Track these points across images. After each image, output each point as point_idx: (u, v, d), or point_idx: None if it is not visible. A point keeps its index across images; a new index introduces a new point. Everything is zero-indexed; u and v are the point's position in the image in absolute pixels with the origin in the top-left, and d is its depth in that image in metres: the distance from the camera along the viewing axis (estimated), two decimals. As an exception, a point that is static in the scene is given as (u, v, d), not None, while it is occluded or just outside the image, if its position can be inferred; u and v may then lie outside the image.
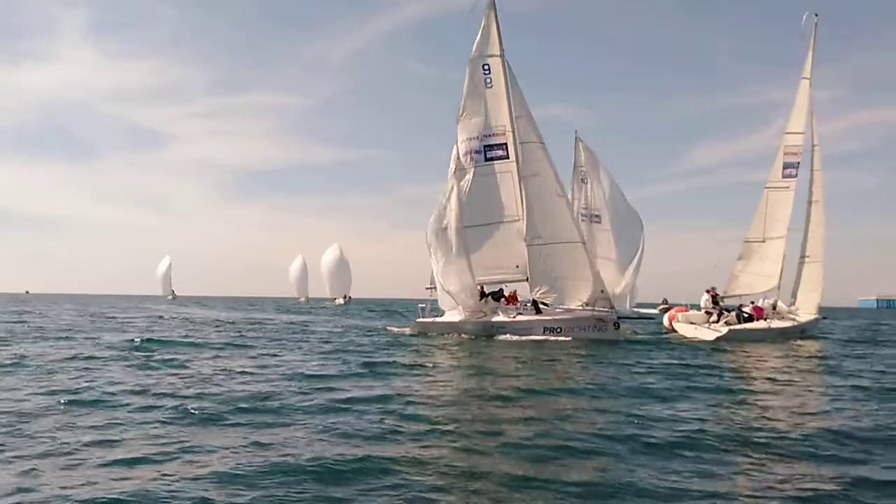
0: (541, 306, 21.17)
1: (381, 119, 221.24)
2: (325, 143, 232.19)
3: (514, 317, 21.07)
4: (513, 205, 21.83)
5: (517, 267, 22.00)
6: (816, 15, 23.37)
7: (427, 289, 22.97)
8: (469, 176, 21.66)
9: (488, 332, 20.83)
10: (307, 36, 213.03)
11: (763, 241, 23.89)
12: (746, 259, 24.06)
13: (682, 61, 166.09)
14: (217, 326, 27.15)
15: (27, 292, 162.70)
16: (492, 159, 21.62)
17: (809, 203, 23.44)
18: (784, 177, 23.76)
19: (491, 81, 21.55)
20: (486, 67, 21.61)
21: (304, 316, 41.03)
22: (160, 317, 35.78)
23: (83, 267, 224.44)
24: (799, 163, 23.53)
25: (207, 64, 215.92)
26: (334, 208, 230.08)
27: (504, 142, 21.65)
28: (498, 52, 21.71)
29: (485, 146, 21.57)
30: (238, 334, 22.39)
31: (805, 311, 22.99)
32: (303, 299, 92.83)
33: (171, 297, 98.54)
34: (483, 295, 22.26)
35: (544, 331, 20.62)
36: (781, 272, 23.36)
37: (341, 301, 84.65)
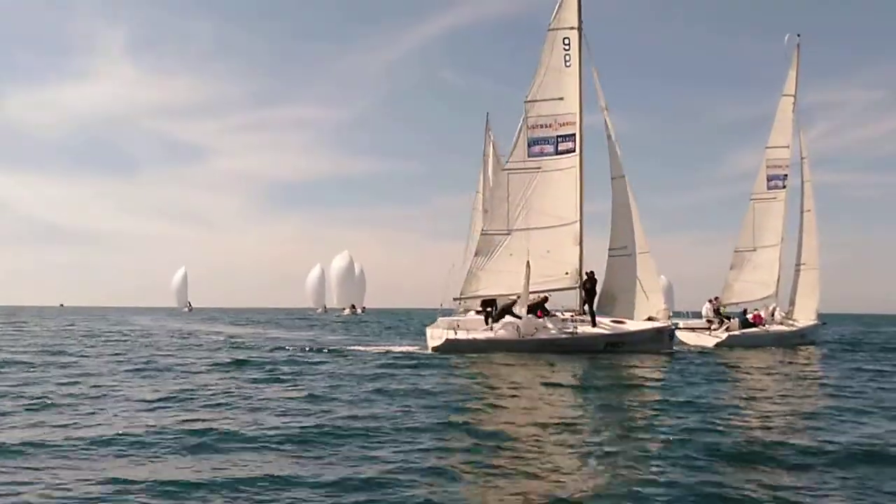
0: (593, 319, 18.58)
1: (414, 131, 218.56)
2: (360, 155, 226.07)
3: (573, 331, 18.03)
4: (572, 206, 18.88)
5: (566, 274, 19.12)
6: (798, 35, 24.83)
7: (455, 300, 18.83)
8: (532, 170, 18.18)
9: (543, 349, 17.48)
10: (341, 49, 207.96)
11: (754, 250, 24.55)
12: (738, 268, 24.57)
13: (718, 65, 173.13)
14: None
15: (62, 305, 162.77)
16: (563, 152, 18.40)
17: (802, 213, 24.56)
18: (769, 188, 24.70)
19: (570, 60, 18.35)
20: (566, 42, 18.31)
21: (276, 330, 33.39)
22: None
23: (118, 280, 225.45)
24: (786, 175, 24.64)
25: (243, 78, 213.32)
26: (367, 220, 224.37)
27: (574, 132, 18.61)
28: (576, 24, 18.55)
29: (558, 136, 18.27)
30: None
31: (804, 318, 23.92)
32: (319, 309, 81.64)
33: (186, 308, 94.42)
34: (490, 305, 18.98)
35: (606, 346, 18.13)
36: (778, 280, 24.09)
37: (348, 311, 74.49)
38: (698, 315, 24.29)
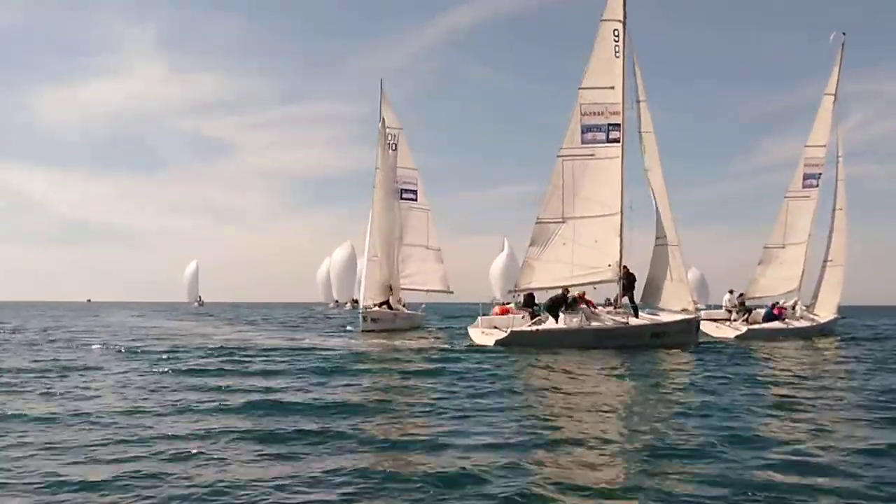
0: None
1: (440, 126, 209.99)
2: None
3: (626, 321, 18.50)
4: (616, 196, 19.20)
5: (609, 266, 19.48)
6: (844, 34, 24.77)
7: (510, 292, 19.15)
8: (586, 157, 18.45)
9: (599, 341, 17.91)
10: (363, 46, 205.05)
11: (783, 247, 24.91)
12: (766, 264, 25.02)
13: (749, 54, 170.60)
14: None
15: (89, 301, 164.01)
16: (613, 140, 18.68)
17: (834, 210, 24.82)
18: (804, 187, 24.96)
19: (618, 51, 18.54)
20: (615, 33, 18.53)
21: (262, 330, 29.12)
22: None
23: (146, 276, 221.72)
24: (820, 174, 24.87)
25: (270, 75, 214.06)
26: None
27: (620, 122, 18.88)
28: (620, 17, 18.79)
29: (609, 125, 18.53)
30: None
31: (826, 312, 24.40)
32: (331, 304, 76.34)
33: (197, 303, 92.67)
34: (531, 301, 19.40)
35: (652, 336, 18.57)
36: (802, 275, 24.49)
37: (348, 306, 68.63)
38: (719, 306, 24.76)
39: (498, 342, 17.43)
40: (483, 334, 18.61)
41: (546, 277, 18.73)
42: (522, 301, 19.69)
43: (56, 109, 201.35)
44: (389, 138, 28.98)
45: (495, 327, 18.74)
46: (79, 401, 9.12)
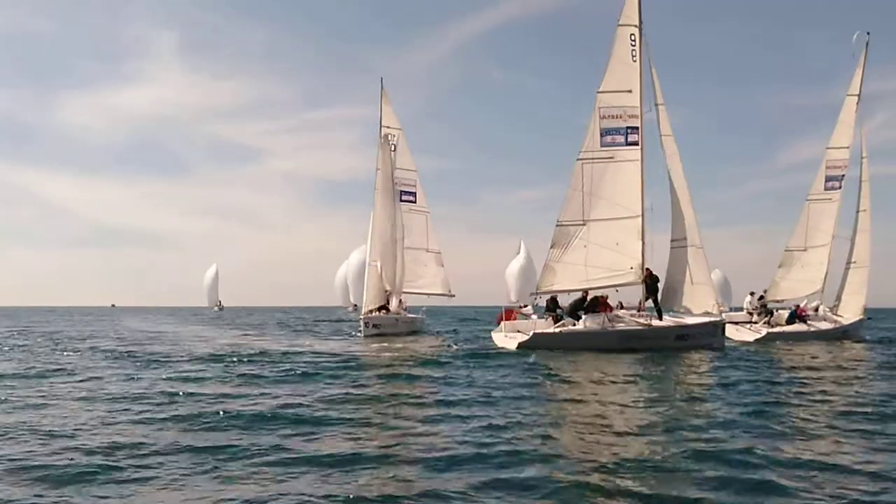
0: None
1: (458, 128, 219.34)
2: (412, 153, 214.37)
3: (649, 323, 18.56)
4: (637, 199, 19.32)
5: (631, 269, 19.56)
6: (868, 34, 24.59)
7: (532, 295, 19.29)
8: (605, 159, 18.62)
9: (623, 344, 17.97)
10: (388, 50, 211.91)
11: (805, 250, 24.78)
12: (787, 267, 24.92)
13: (774, 52, 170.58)
14: None
15: (113, 305, 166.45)
16: (631, 143, 18.85)
17: (857, 212, 24.63)
18: (826, 189, 24.81)
19: (635, 55, 18.71)
20: (632, 38, 18.74)
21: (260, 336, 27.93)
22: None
23: (170, 280, 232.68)
24: (843, 175, 24.68)
25: (292, 81, 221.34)
26: None
27: (638, 125, 19.03)
28: (636, 22, 18.98)
29: (628, 128, 18.70)
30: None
31: (850, 314, 24.23)
32: (350, 308, 74.25)
33: (217, 307, 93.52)
34: (554, 304, 19.52)
35: (676, 339, 18.59)
36: (825, 277, 24.31)
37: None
38: (739, 308, 24.63)
39: (521, 345, 17.54)
40: (506, 338, 18.80)
41: (567, 280, 18.89)
42: (546, 304, 19.88)
43: (81, 115, 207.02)
44: (390, 139, 28.53)
45: (518, 331, 18.94)
46: (23, 410, 8.84)
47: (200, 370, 13.40)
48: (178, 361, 15.16)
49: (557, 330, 18.31)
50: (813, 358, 16.64)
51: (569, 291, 18.87)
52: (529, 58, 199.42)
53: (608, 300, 19.32)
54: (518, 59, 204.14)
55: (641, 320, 18.68)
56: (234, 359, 15.32)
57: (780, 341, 21.46)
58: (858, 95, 24.70)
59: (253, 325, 40.06)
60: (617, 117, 18.66)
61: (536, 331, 18.09)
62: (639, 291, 19.68)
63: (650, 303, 19.52)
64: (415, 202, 29.33)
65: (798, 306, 23.90)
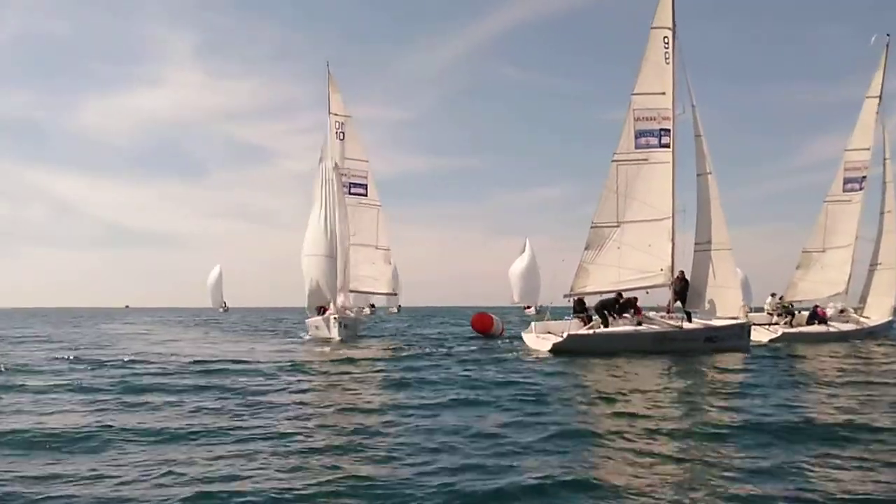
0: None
1: (470, 128, 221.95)
2: (425, 154, 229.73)
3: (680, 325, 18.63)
4: (667, 200, 19.34)
5: (661, 270, 19.61)
6: (888, 35, 24.75)
7: (565, 296, 19.24)
8: (640, 161, 18.66)
9: (656, 345, 18.04)
10: (403, 49, 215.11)
11: (823, 251, 24.92)
12: (805, 268, 25.12)
13: (799, 47, 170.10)
14: None
15: (127, 307, 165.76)
16: (665, 146, 18.88)
17: (882, 213, 24.83)
18: (845, 191, 24.98)
19: (668, 57, 18.75)
20: (665, 40, 18.77)
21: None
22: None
23: (186, 281, 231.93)
24: (864, 177, 24.85)
25: (307, 81, 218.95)
26: (424, 217, 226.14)
27: (671, 127, 19.07)
28: (670, 25, 19.00)
29: (661, 129, 18.73)
30: None
31: (877, 315, 24.45)
32: (367, 310, 74.34)
33: (222, 308, 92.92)
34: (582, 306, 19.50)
35: (705, 340, 18.69)
36: (849, 279, 24.48)
37: (367, 311, 64.22)
38: (760, 309, 24.75)
39: (555, 347, 17.45)
40: (538, 339, 18.75)
41: (600, 281, 18.87)
42: (573, 306, 19.84)
43: (99, 117, 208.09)
44: (336, 126, 27.19)
45: (549, 331, 18.93)
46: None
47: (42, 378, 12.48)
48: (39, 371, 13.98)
49: (592, 332, 18.33)
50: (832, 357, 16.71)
51: (601, 293, 18.88)
52: (543, 58, 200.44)
53: (637, 302, 19.44)
54: (532, 59, 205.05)
55: (673, 322, 18.78)
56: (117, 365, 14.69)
57: (795, 342, 21.27)
58: (879, 97, 24.90)
59: (241, 328, 38.91)
60: (651, 119, 18.68)
61: (571, 332, 18.01)
62: (661, 293, 19.81)
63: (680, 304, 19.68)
64: (365, 195, 27.67)
65: (818, 307, 24.08)
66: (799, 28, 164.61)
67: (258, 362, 15.46)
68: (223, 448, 6.80)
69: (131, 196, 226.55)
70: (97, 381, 11.89)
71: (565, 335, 17.79)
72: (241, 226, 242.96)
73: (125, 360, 15.99)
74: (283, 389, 11.07)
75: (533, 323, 19.85)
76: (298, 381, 12.39)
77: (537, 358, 16.50)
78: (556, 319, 20.06)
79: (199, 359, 16.24)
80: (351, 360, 15.82)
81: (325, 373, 13.77)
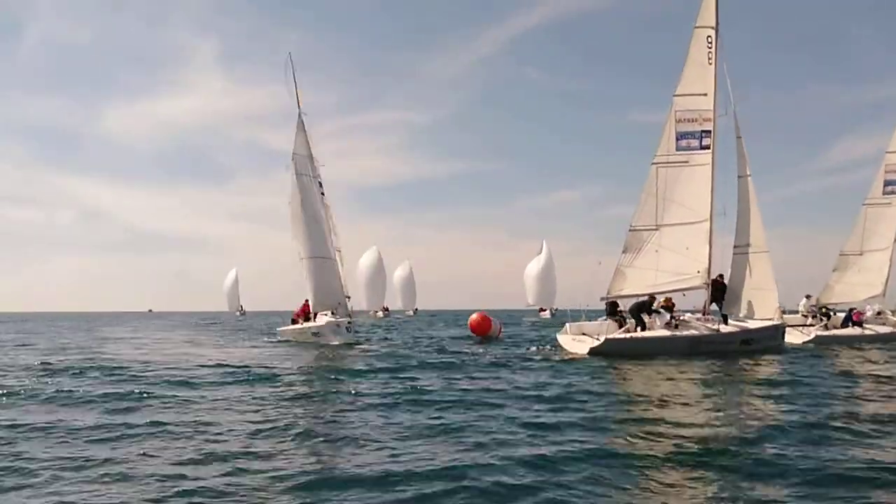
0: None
1: (500, 130, 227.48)
2: (446, 157, 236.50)
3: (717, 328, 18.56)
4: (706, 203, 19.21)
5: (698, 273, 19.51)
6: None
7: (602, 299, 19.16)
8: (680, 164, 18.56)
9: (693, 348, 17.96)
10: (425, 53, 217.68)
11: (860, 254, 24.67)
12: (842, 270, 24.85)
13: (821, 49, 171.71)
14: None
15: (150, 311, 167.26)
16: (705, 147, 18.75)
17: (922, 216, 24.51)
18: (885, 193, 24.64)
19: (711, 58, 18.58)
20: (708, 40, 18.60)
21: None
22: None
23: (209, 285, 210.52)
24: (905, 179, 24.46)
25: (330, 86, 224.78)
26: (450, 221, 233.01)
27: (711, 129, 18.92)
28: (713, 24, 18.82)
29: (702, 131, 18.59)
30: None
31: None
32: (380, 313, 71.70)
33: (238, 312, 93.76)
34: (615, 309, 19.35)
35: (742, 343, 18.62)
36: (886, 281, 24.21)
37: (380, 314, 66.47)
38: (794, 311, 24.54)
39: (592, 350, 17.23)
40: (574, 341, 18.61)
41: (637, 284, 18.79)
42: (606, 308, 19.74)
43: (123, 122, 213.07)
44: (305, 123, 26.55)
45: (584, 333, 18.93)
46: None
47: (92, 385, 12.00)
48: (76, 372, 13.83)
49: (629, 335, 18.27)
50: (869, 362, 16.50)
51: (637, 296, 18.79)
52: (563, 61, 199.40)
53: (673, 304, 19.32)
54: (551, 63, 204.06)
55: (710, 325, 18.70)
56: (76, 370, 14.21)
57: (828, 344, 21.17)
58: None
59: (237, 332, 37.01)
60: (692, 121, 18.52)
61: (608, 336, 17.87)
62: (696, 294, 19.71)
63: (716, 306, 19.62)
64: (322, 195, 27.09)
65: (853, 310, 23.86)
66: (833, 27, 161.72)
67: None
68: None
69: (155, 200, 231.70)
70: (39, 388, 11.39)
71: (602, 339, 17.73)
72: (264, 230, 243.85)
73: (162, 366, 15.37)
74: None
75: (567, 324, 19.74)
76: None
77: (577, 360, 16.37)
78: (575, 322, 19.49)
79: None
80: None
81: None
